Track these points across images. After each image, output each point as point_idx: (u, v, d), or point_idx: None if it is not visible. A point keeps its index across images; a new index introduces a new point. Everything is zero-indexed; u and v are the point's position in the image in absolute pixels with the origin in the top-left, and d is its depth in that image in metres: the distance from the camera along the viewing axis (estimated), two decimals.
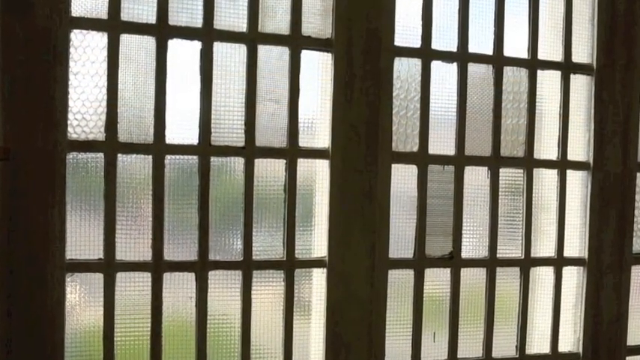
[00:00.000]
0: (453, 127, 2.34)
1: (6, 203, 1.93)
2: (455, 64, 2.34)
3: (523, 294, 2.43)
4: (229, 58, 2.13)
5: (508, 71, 2.41)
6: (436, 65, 2.32)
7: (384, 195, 2.24)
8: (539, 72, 2.45)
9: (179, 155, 2.10)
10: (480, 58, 2.37)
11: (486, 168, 2.40)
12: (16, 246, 1.94)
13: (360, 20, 2.20)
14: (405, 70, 2.31)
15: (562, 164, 2.48)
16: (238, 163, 2.14)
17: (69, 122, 1.98)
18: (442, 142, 2.34)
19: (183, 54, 2.08)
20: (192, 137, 2.09)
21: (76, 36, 2.00)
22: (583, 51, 2.50)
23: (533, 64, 2.43)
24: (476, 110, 2.39)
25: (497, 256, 2.40)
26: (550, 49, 2.49)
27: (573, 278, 2.53)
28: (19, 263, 1.94)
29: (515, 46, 2.41)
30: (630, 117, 2.51)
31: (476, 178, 2.39)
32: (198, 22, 2.09)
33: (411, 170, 2.30)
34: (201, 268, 2.10)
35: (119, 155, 2.03)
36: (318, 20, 2.22)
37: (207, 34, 2.09)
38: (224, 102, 2.13)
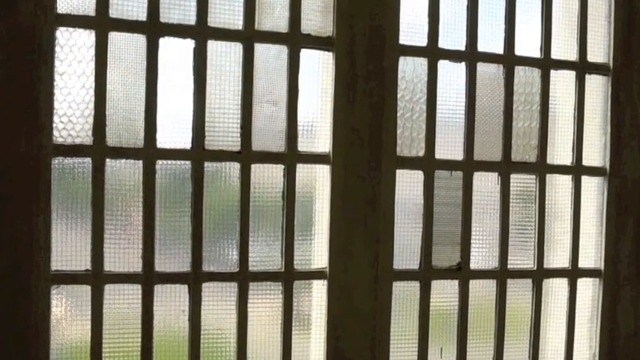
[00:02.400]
0: (462, 130, 2.34)
1: None
2: (463, 64, 2.34)
3: (535, 307, 2.43)
4: (224, 57, 2.13)
5: (519, 71, 2.41)
6: (443, 65, 2.32)
7: (388, 202, 2.23)
8: (553, 72, 2.44)
9: (171, 160, 2.09)
10: (489, 58, 2.37)
11: (496, 174, 2.39)
12: None
13: (363, 17, 2.20)
14: (411, 70, 2.31)
15: (576, 170, 2.48)
16: (234, 168, 2.14)
17: (54, 125, 1.97)
18: (450, 147, 2.34)
19: (176, 53, 2.07)
20: (184, 141, 2.09)
21: (62, 34, 1.99)
22: (599, 50, 2.50)
23: (546, 64, 2.43)
24: (485, 112, 2.39)
25: (508, 267, 2.40)
26: (564, 47, 2.49)
27: (588, 290, 2.53)
28: (1, 275, 1.93)
29: (527, 44, 2.41)
30: None
31: (485, 184, 2.39)
32: (191, 19, 2.08)
33: (417, 176, 2.30)
34: (195, 279, 2.09)
35: (107, 160, 2.02)
36: (318, 17, 2.21)
37: (201, 32, 2.08)
38: (219, 104, 2.13)
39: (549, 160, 2.44)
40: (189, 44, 2.08)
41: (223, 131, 2.13)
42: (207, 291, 2.11)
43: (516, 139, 2.41)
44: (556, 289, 2.51)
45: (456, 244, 2.34)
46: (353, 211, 2.20)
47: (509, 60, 2.39)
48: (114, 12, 2.02)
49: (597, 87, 2.51)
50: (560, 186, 2.50)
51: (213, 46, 2.11)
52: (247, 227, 2.12)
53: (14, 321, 1.94)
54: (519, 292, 2.44)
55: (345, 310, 2.21)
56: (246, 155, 2.13)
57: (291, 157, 2.17)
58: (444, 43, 2.31)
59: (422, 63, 2.30)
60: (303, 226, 2.22)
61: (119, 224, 2.07)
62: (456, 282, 2.35)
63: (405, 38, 2.26)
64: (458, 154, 2.34)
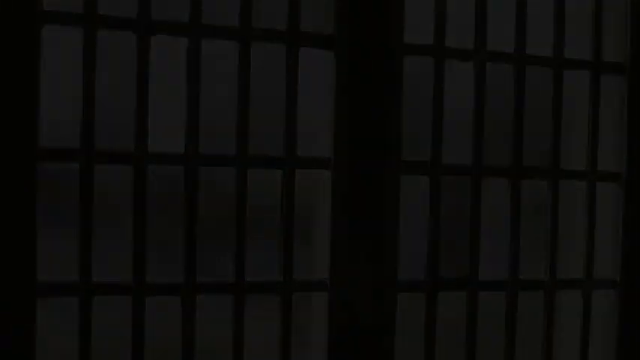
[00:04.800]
0: (470, 133, 2.33)
1: None
2: (471, 63, 2.33)
3: (548, 320, 2.42)
4: (219, 56, 2.13)
5: (531, 71, 2.40)
6: (451, 64, 2.31)
7: (392, 209, 2.23)
8: (566, 72, 2.44)
9: (163, 165, 2.08)
10: (499, 57, 2.36)
11: (507, 179, 2.38)
12: None
13: (366, 15, 2.19)
14: (416, 70, 2.30)
15: (591, 175, 2.47)
16: (229, 173, 2.13)
17: (39, 128, 1.96)
18: (457, 151, 2.34)
19: (168, 52, 2.08)
20: (177, 145, 2.08)
21: (48, 32, 1.98)
22: (614, 49, 2.50)
23: (558, 63, 2.42)
24: (495, 114, 2.39)
25: (519, 277, 2.39)
26: (578, 46, 2.48)
27: (604, 302, 2.52)
28: None
29: (539, 43, 2.40)
30: None
31: (495, 190, 2.38)
32: (184, 16, 2.07)
33: (423, 182, 2.29)
34: (188, 290, 2.08)
35: (96, 165, 2.01)
36: (318, 15, 2.21)
37: (195, 30, 2.07)
38: (213, 106, 2.13)
39: (562, 165, 2.45)
40: (182, 43, 2.07)
41: (218, 135, 2.13)
42: (201, 302, 2.10)
43: (527, 143, 2.40)
44: (570, 300, 2.52)
45: (464, 254, 2.34)
46: (355, 219, 2.19)
47: (519, 59, 2.38)
48: (103, 9, 2.01)
49: (613, 88, 2.51)
50: (574, 192, 2.49)
51: (208, 45, 2.11)
52: (244, 236, 2.12)
53: None
54: (531, 304, 2.43)
55: (346, 323, 2.20)
56: (243, 160, 2.12)
57: (290, 161, 2.16)
58: (450, 41, 2.31)
59: (428, 62, 2.29)
60: (302, 235, 2.23)
61: (108, 233, 2.07)
62: (464, 293, 2.34)
63: (410, 37, 2.26)
64: (466, 159, 2.34)
